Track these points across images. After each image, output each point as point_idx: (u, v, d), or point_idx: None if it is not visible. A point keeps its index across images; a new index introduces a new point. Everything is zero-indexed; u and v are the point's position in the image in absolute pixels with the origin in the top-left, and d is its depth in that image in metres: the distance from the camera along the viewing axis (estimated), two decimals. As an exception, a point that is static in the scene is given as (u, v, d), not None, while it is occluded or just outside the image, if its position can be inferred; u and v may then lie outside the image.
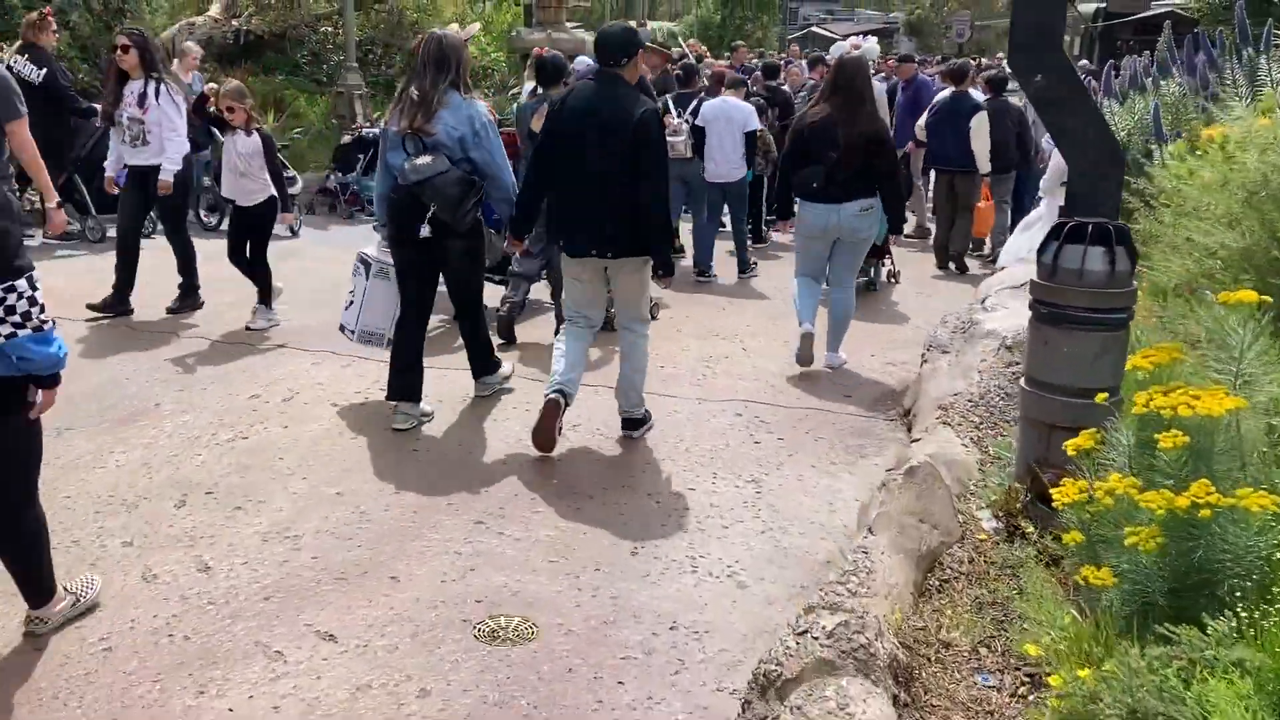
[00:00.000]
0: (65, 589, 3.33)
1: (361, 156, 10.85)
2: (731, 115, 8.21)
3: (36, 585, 3.21)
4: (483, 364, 5.32)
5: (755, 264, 8.84)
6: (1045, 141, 7.72)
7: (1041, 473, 3.22)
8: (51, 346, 2.84)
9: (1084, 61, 14.79)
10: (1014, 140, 8.90)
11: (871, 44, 7.29)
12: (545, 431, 4.60)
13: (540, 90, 6.68)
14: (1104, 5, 21.95)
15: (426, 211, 4.66)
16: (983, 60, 18.21)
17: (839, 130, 5.53)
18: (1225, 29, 6.53)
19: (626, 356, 4.84)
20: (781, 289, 7.81)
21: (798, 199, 5.85)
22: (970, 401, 4.52)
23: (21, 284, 2.74)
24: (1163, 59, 5.97)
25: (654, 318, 6.50)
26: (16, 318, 2.73)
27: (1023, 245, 6.69)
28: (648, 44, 7.79)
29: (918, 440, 4.42)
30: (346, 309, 5.50)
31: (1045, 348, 3.34)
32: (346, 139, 11.25)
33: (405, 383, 4.97)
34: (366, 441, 4.86)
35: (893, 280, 8.48)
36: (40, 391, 2.94)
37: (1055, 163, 6.37)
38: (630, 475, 4.58)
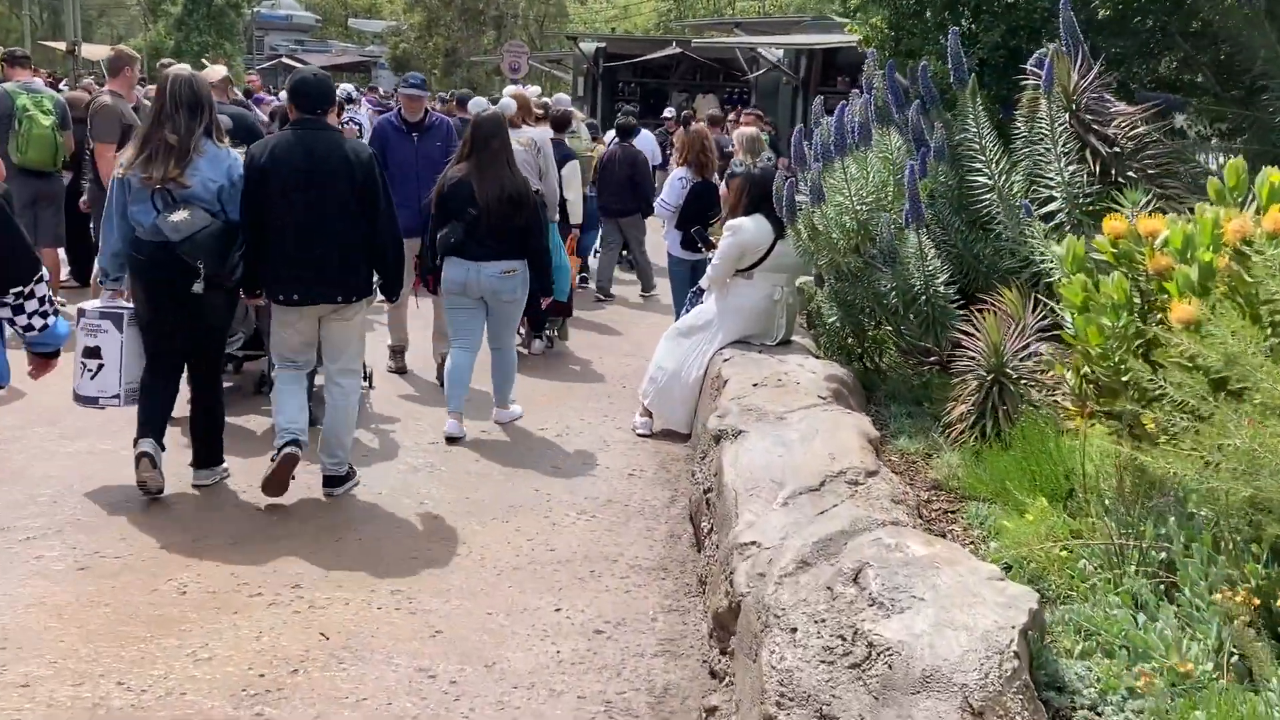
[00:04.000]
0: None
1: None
2: None
3: None
4: (213, 446, 4.89)
5: None
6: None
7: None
8: (64, 324, 3.34)
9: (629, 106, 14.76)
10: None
11: (508, 100, 6.92)
12: (279, 483, 4.65)
13: None
14: (604, 45, 22.71)
15: (188, 267, 4.43)
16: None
17: (475, 189, 5.60)
18: (907, 62, 6.18)
19: (335, 410, 4.81)
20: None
21: (441, 256, 5.78)
22: None
23: (46, 274, 3.21)
24: (884, 105, 5.36)
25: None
26: (49, 306, 3.21)
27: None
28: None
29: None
30: (91, 377, 4.75)
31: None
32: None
33: (158, 428, 4.67)
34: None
35: (551, 340, 8.11)
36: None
37: (728, 249, 5.71)
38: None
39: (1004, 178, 5.13)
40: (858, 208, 4.87)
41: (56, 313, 3.29)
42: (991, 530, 3.49)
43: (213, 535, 4.35)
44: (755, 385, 4.92)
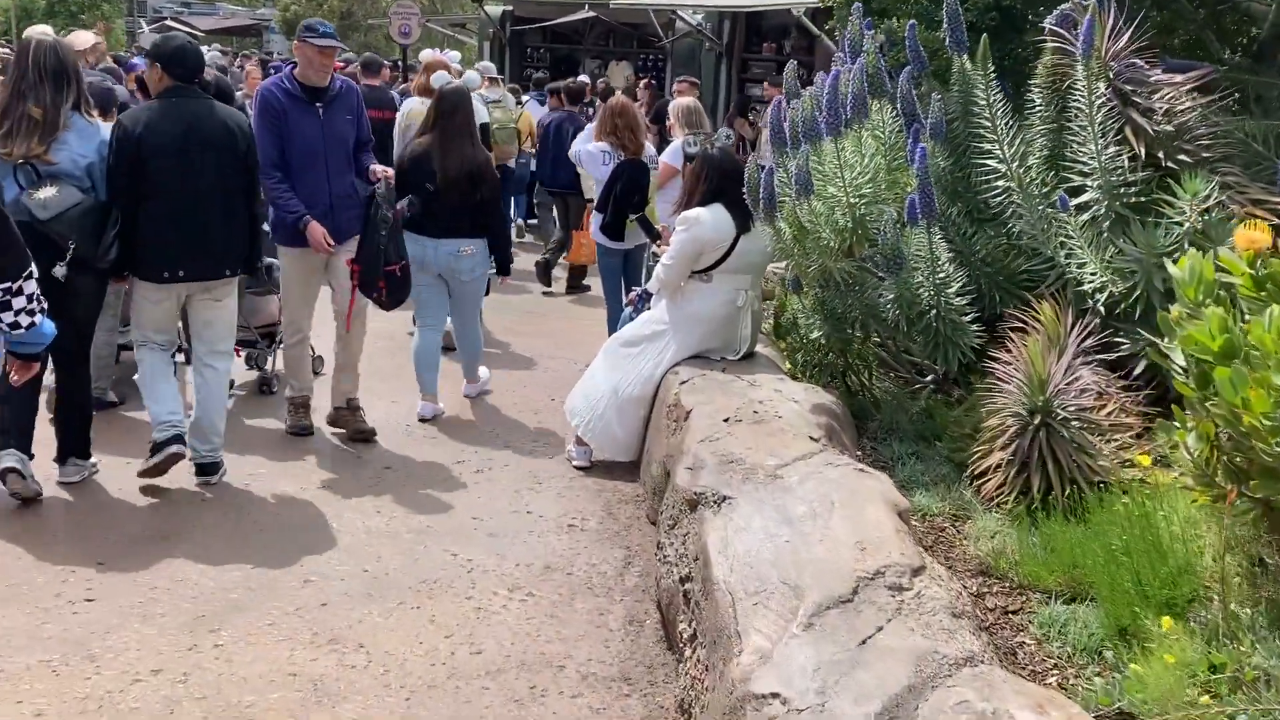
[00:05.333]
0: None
1: None
2: None
3: None
4: (81, 439, 4.55)
5: None
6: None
7: None
8: (49, 323, 3.14)
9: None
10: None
11: (472, 74, 6.28)
12: (158, 474, 4.46)
13: None
14: (510, 8, 21.35)
15: (58, 247, 4.14)
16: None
17: (437, 163, 5.44)
18: (879, 23, 5.17)
19: (208, 395, 4.62)
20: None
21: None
22: None
23: (35, 270, 3.06)
24: (876, 73, 4.31)
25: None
26: (36, 304, 3.06)
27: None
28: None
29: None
30: None
31: None
32: None
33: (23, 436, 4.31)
34: None
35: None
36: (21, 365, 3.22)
37: (683, 246, 4.74)
38: None
39: (1019, 162, 4.23)
40: (853, 200, 3.90)
41: (44, 311, 3.13)
42: (1087, 649, 2.57)
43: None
44: (727, 420, 3.94)
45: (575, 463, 5.07)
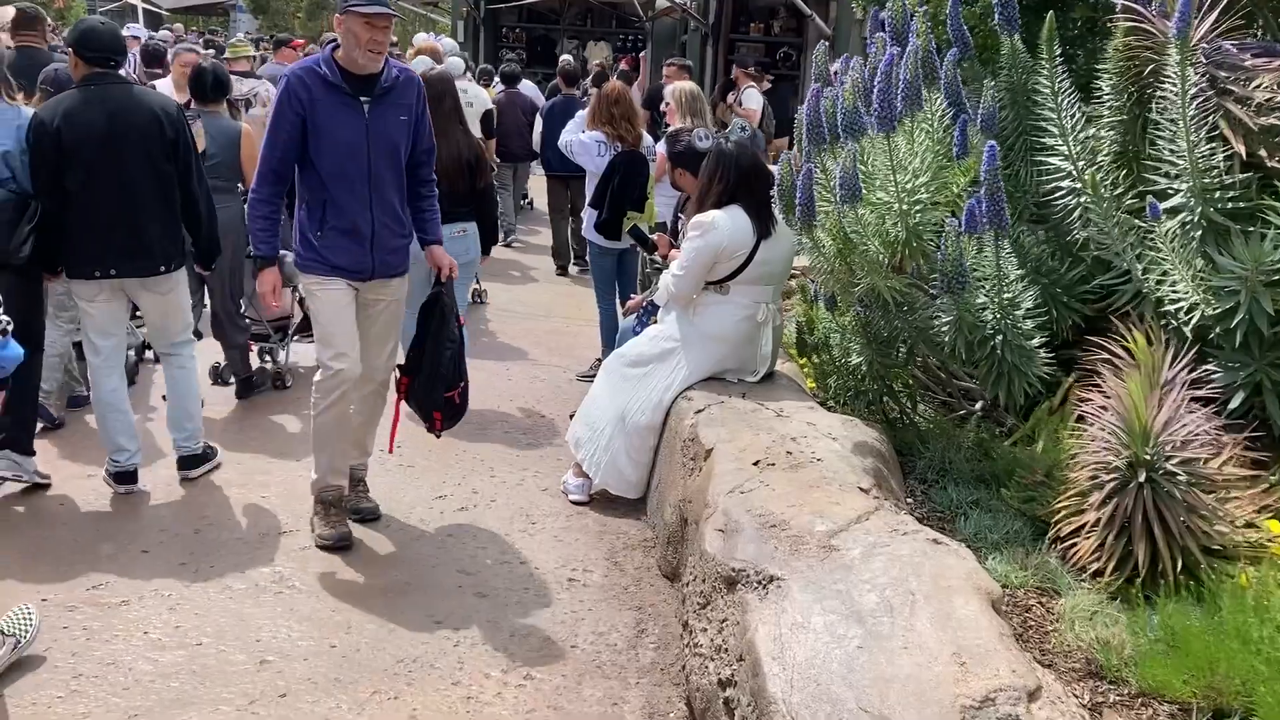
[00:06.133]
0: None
1: None
2: None
3: None
4: (23, 436, 4.22)
5: None
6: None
7: None
8: (14, 349, 2.91)
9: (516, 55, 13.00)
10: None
11: (455, 60, 5.90)
12: None
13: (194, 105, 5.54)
14: (474, -13, 20.58)
15: None
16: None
17: None
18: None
19: (177, 386, 4.51)
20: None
21: None
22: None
23: None
24: (929, 57, 3.69)
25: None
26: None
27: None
28: None
29: None
30: None
31: None
32: None
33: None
34: None
35: (479, 300, 7.82)
36: None
37: (697, 254, 4.16)
38: None
39: (1087, 160, 3.66)
40: (905, 207, 3.31)
41: (6, 333, 2.89)
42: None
43: None
44: (757, 464, 3.36)
45: (572, 497, 4.48)
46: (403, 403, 4.12)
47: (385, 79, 3.80)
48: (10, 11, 7.02)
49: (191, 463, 4.51)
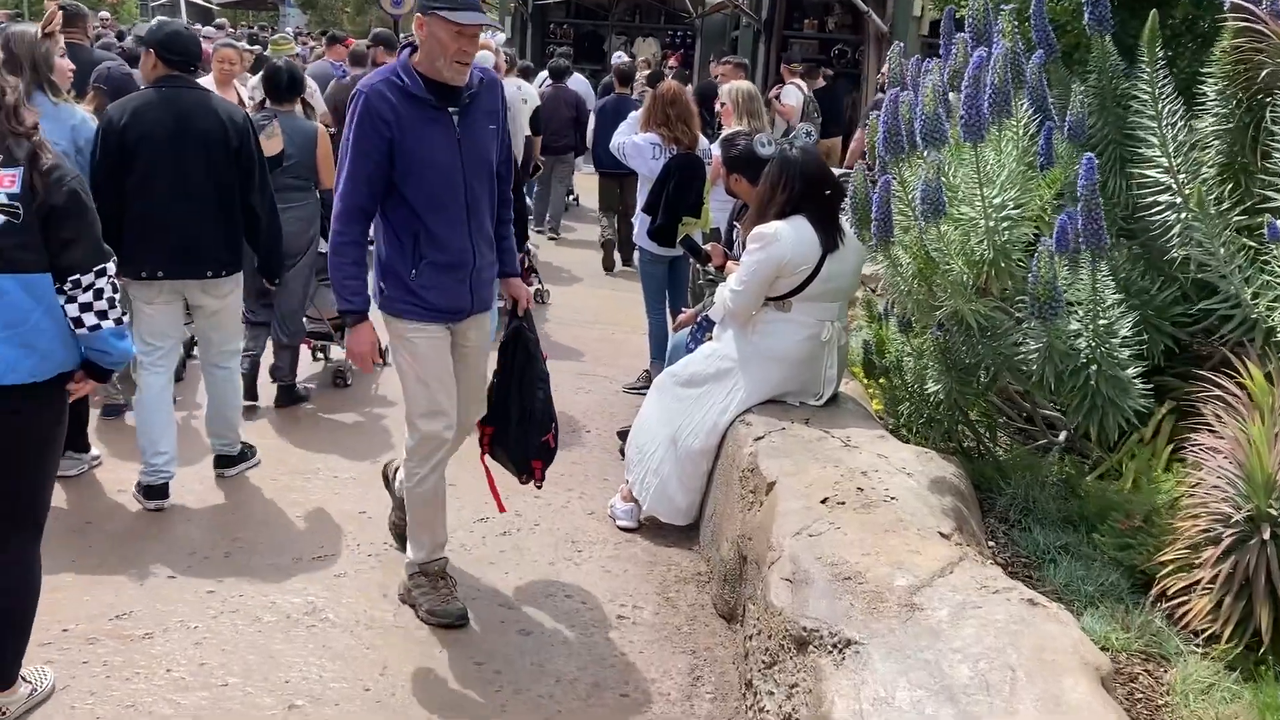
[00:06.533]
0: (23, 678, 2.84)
1: None
2: None
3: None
4: (79, 436, 4.35)
5: None
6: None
7: None
8: (126, 341, 2.81)
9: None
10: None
11: (485, 54, 5.79)
12: None
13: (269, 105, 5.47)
14: (533, -15, 20.43)
15: None
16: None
17: None
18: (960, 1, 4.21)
19: (219, 394, 4.47)
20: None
21: None
22: None
23: (111, 268, 2.74)
24: (1016, 60, 3.39)
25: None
26: (107, 306, 2.72)
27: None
28: None
29: None
30: None
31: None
32: None
33: None
34: None
35: (541, 300, 7.68)
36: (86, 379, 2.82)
37: (757, 268, 3.89)
38: None
39: (1190, 173, 3.34)
40: (993, 224, 3.02)
41: (119, 322, 2.77)
42: None
43: None
44: (825, 502, 3.09)
45: (620, 523, 4.24)
46: (487, 456, 3.70)
47: (469, 84, 3.27)
48: (56, 14, 6.91)
49: (228, 462, 4.53)
